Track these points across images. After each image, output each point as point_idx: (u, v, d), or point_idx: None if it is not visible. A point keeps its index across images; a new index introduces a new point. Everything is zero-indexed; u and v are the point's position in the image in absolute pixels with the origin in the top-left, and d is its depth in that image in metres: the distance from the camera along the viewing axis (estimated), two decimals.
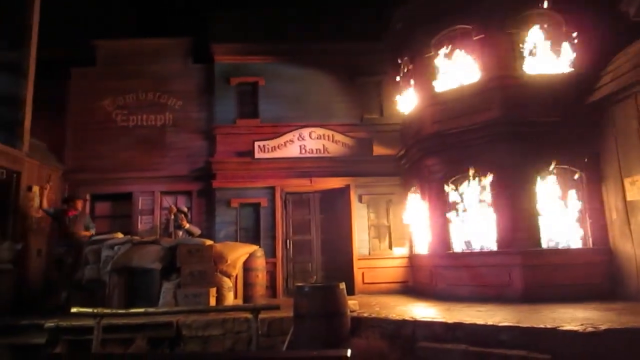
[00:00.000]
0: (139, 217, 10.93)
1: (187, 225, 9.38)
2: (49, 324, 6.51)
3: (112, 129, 11.15)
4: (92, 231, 8.90)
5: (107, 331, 6.21)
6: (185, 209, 9.91)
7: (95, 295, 7.80)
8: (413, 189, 9.96)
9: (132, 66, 11.48)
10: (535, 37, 8.43)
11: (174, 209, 9.71)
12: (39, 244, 9.70)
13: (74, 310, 5.95)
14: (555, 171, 7.98)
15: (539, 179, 7.99)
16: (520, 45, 8.42)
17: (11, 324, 6.79)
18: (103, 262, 8.15)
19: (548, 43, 8.43)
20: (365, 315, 6.54)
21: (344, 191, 10.62)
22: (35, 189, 9.63)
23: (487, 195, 8.28)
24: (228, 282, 8.01)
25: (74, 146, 11.05)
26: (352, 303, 6.81)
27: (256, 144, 10.56)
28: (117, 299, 7.65)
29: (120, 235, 8.91)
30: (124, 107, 11.29)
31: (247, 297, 8.63)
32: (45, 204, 9.30)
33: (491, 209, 8.18)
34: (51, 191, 10.07)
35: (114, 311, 6.50)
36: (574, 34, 8.30)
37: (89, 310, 5.96)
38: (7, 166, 8.54)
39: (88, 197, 9.72)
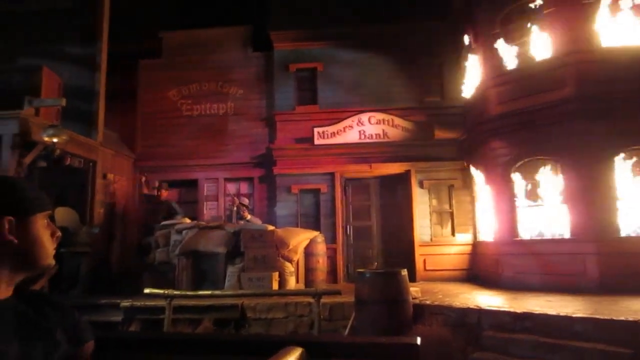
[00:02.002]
0: (204, 203, 11.35)
1: (249, 217, 9.64)
2: (125, 303, 6.92)
3: (177, 119, 11.60)
4: (178, 217, 9.45)
5: (177, 311, 6.51)
6: (247, 201, 10.21)
7: (166, 277, 8.20)
8: (477, 173, 9.60)
9: (195, 57, 11.83)
10: (614, 6, 7.76)
11: (237, 202, 10.01)
12: (114, 228, 10.31)
13: (146, 291, 6.27)
14: (636, 152, 7.38)
15: (617, 160, 7.43)
16: (598, 16, 7.79)
17: (91, 302, 7.29)
18: (172, 246, 8.54)
19: (631, 11, 7.74)
20: (428, 302, 6.42)
21: (404, 176, 10.42)
22: (110, 176, 10.23)
23: (559, 179, 7.82)
24: (290, 267, 8.14)
25: (143, 135, 11.60)
26: (414, 290, 6.72)
27: (315, 130, 10.58)
28: (186, 281, 8.00)
29: (187, 220, 9.30)
30: (189, 96, 11.69)
31: (308, 282, 8.73)
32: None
33: (563, 194, 7.72)
34: (124, 178, 10.69)
35: (182, 293, 6.80)
36: None
37: (160, 291, 6.26)
38: (83, 155, 9.10)
39: (157, 183, 10.27)
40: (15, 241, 1.10)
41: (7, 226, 1.10)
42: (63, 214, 8.59)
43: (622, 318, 4.67)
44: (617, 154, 7.41)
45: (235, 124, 11.51)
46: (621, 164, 7.42)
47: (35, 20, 10.21)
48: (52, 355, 1.11)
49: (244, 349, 1.43)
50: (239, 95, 11.62)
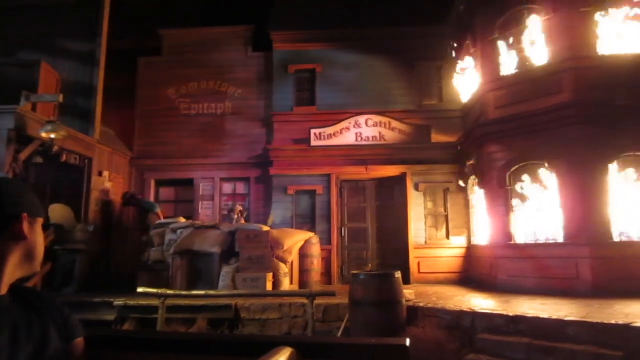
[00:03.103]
0: (200, 202, 11.33)
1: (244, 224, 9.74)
2: (118, 302, 6.90)
3: (175, 117, 11.59)
4: (156, 210, 9.63)
5: (171, 311, 6.50)
6: (241, 208, 10.38)
7: (161, 276, 8.18)
8: (473, 177, 9.63)
9: (195, 55, 11.83)
10: (612, 14, 7.81)
11: (238, 209, 10.15)
12: (109, 226, 10.27)
13: (140, 290, 6.25)
14: (630, 158, 7.42)
15: (611, 166, 7.47)
16: (595, 24, 7.84)
17: (85, 300, 7.26)
18: (167, 245, 8.53)
19: (628, 20, 7.78)
20: (422, 304, 6.43)
21: (401, 179, 10.44)
22: (106, 174, 10.20)
23: (554, 184, 7.85)
24: (284, 268, 8.14)
25: (140, 134, 11.58)
26: (408, 292, 6.73)
27: (312, 131, 10.59)
28: (180, 281, 7.99)
29: (183, 219, 9.29)
30: (187, 95, 11.68)
31: (302, 283, 8.74)
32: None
33: (558, 198, 7.76)
34: (120, 176, 10.67)
35: (176, 292, 6.79)
36: None
37: (154, 290, 6.25)
38: (80, 152, 9.07)
39: (153, 182, 10.33)
40: (29, 239, 1.11)
41: (26, 224, 1.10)
42: (58, 210, 8.56)
43: (614, 322, 4.69)
44: (613, 160, 7.45)
45: (233, 124, 11.50)
46: (615, 170, 7.47)
47: (36, 15, 10.19)
48: (44, 351, 1.12)
49: (236, 349, 1.43)
50: (237, 95, 11.62)
